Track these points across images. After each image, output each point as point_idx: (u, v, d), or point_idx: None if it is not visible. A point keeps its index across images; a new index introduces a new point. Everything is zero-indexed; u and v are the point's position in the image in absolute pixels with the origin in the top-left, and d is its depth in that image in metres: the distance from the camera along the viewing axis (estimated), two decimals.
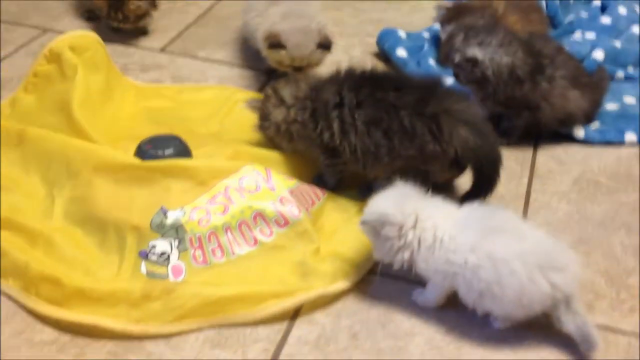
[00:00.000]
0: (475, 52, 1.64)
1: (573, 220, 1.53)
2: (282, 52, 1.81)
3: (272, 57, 1.85)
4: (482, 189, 1.48)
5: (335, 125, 1.46)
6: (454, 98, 1.45)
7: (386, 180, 1.48)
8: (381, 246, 1.29)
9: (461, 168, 1.50)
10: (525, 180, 1.65)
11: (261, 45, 1.87)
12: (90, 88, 1.68)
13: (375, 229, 1.27)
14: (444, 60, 1.72)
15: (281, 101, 1.55)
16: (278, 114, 1.54)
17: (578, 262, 1.23)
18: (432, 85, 1.48)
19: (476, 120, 1.45)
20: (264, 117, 1.58)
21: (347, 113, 1.45)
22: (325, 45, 1.83)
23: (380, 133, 1.43)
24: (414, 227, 1.26)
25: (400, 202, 1.27)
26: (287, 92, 1.56)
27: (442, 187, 1.47)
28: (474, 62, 1.64)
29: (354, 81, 1.49)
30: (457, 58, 1.66)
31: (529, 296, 1.19)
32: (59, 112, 1.62)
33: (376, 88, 1.46)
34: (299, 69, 1.84)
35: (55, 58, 1.69)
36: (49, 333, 1.25)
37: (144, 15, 2.13)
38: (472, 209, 1.30)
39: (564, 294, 1.21)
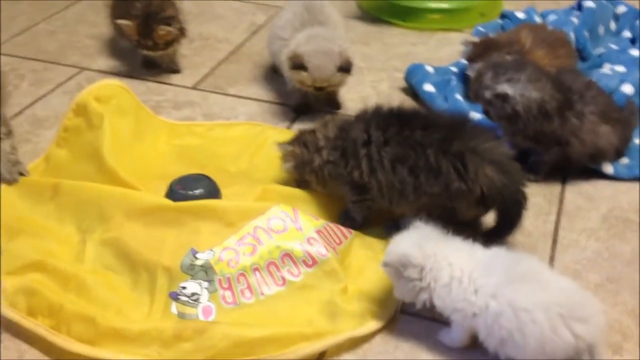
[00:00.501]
0: (505, 88, 1.65)
1: (602, 258, 1.53)
2: (304, 74, 1.88)
3: (295, 78, 1.93)
4: (505, 228, 1.49)
5: (364, 163, 1.49)
6: (480, 136, 1.47)
7: (413, 218, 1.51)
8: (403, 287, 1.30)
9: (487, 207, 1.51)
10: (553, 217, 1.64)
11: (285, 66, 1.95)
12: (119, 132, 1.73)
13: (397, 270, 1.28)
14: (474, 97, 1.73)
15: (316, 145, 1.57)
16: (316, 159, 1.56)
17: (603, 312, 1.23)
18: (459, 123, 1.50)
19: (502, 159, 1.46)
20: (300, 163, 1.60)
21: (375, 150, 1.48)
22: (345, 68, 1.90)
23: (406, 170, 1.45)
24: (432, 268, 1.27)
25: (420, 243, 1.29)
26: (320, 134, 1.59)
27: (467, 225, 1.48)
28: (504, 97, 1.65)
29: (381, 119, 1.51)
30: (487, 95, 1.68)
31: (551, 346, 1.19)
32: (91, 161, 1.66)
33: (403, 126, 1.48)
34: (320, 89, 1.92)
35: (82, 111, 1.75)
36: None
37: (173, 41, 2.15)
38: (496, 252, 1.30)
39: (587, 344, 1.20)
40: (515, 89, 1.65)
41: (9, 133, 1.73)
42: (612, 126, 1.72)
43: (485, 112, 1.70)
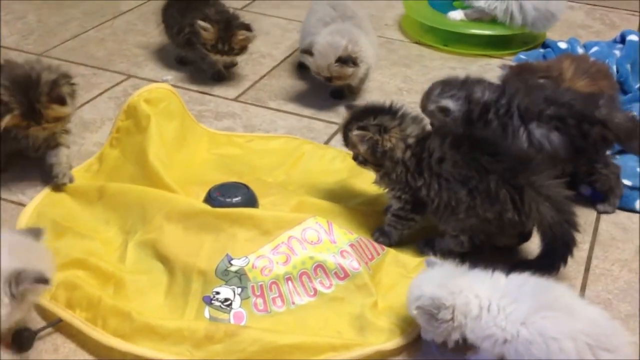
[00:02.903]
0: (447, 102, 1.76)
1: (634, 289, 1.52)
2: (310, 59, 2.11)
3: (308, 63, 2.14)
4: (548, 264, 1.47)
5: (434, 181, 1.50)
6: (542, 174, 1.48)
7: (450, 239, 1.52)
8: (435, 329, 1.29)
9: (525, 239, 1.55)
10: (587, 246, 1.64)
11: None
12: (165, 135, 1.78)
13: (430, 313, 1.28)
14: (421, 109, 1.83)
15: (405, 138, 1.54)
16: (398, 149, 1.54)
17: (632, 343, 1.23)
18: (525, 158, 1.51)
19: (559, 198, 1.47)
20: (375, 143, 1.54)
21: (445, 169, 1.49)
22: (344, 60, 2.05)
23: (465, 191, 1.47)
24: (462, 304, 1.27)
25: (444, 283, 1.29)
26: (412, 130, 1.56)
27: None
28: (445, 111, 1.76)
29: (456, 138, 1.53)
30: (431, 107, 1.79)
31: None
32: (137, 162, 1.72)
33: (473, 148, 1.50)
34: (329, 80, 2.10)
35: (132, 112, 1.80)
36: None
37: (246, 47, 2.21)
38: (525, 279, 1.31)
39: None
40: (456, 105, 1.74)
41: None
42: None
43: (431, 125, 1.77)
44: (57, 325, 1.37)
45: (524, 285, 1.29)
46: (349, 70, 2.08)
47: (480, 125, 1.73)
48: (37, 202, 1.68)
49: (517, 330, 1.23)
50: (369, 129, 1.54)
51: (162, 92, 1.85)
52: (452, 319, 1.28)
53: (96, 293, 1.37)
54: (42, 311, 1.39)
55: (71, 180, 1.73)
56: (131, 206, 1.59)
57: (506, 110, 1.71)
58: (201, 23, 2.13)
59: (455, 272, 1.33)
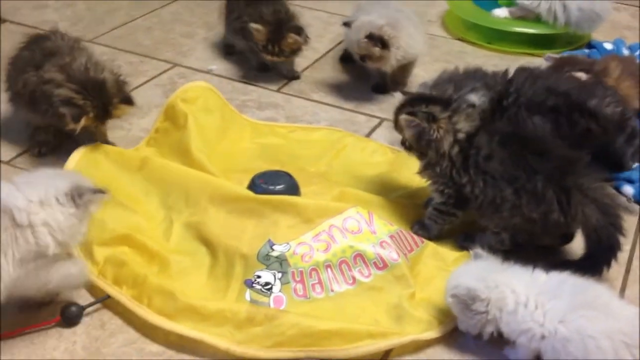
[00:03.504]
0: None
1: None
2: (348, 32, 2.14)
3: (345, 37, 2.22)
4: (592, 268, 1.46)
5: (480, 178, 1.50)
6: (590, 176, 1.48)
7: (492, 235, 1.53)
8: (469, 320, 1.32)
9: (568, 240, 1.55)
10: (629, 247, 1.63)
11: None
12: (205, 128, 1.83)
13: (464, 303, 1.30)
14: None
15: (455, 131, 1.53)
16: (446, 142, 1.53)
17: None
18: (574, 159, 1.50)
19: (606, 201, 1.47)
20: (422, 131, 1.53)
21: (492, 167, 1.49)
22: (371, 37, 2.03)
23: (511, 189, 1.47)
24: (497, 300, 1.29)
25: (483, 275, 1.31)
26: (464, 126, 1.54)
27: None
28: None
29: (504, 136, 1.52)
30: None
31: None
32: (178, 157, 1.76)
33: (522, 147, 1.49)
34: (362, 59, 2.10)
35: (170, 113, 1.85)
36: (157, 347, 1.35)
37: (298, 50, 2.20)
38: (565, 277, 1.32)
39: None
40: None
41: None
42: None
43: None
44: (104, 301, 1.42)
45: (563, 283, 1.30)
46: (376, 50, 2.06)
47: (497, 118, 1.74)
48: (74, 161, 1.72)
49: (555, 327, 1.24)
50: (417, 115, 1.53)
51: (197, 89, 1.91)
52: (486, 311, 1.29)
53: (142, 271, 1.41)
54: (91, 287, 1.44)
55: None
56: (173, 183, 1.63)
57: (515, 100, 1.72)
58: (253, 25, 2.13)
59: (496, 267, 1.34)
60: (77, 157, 1.73)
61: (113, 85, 1.76)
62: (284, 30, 2.14)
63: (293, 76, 2.28)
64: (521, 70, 1.84)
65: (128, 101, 1.80)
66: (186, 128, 1.80)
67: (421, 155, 1.57)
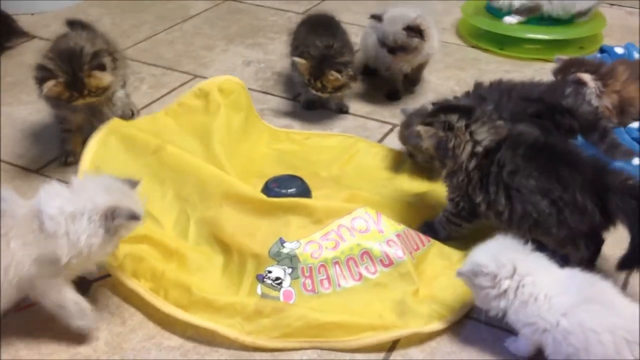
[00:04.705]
0: None
1: None
2: (378, 25, 2.15)
3: (377, 34, 2.18)
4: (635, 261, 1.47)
5: (501, 192, 1.50)
6: (621, 177, 1.48)
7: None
8: (478, 294, 1.37)
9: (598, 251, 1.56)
10: None
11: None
12: (231, 126, 1.90)
13: (470, 279, 1.36)
14: (402, 142, 1.89)
15: (474, 142, 1.53)
16: (464, 152, 1.53)
17: None
18: (601, 166, 1.51)
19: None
20: (441, 142, 1.54)
21: (518, 180, 1.48)
22: (410, 28, 2.09)
23: (546, 201, 1.46)
24: (511, 277, 1.33)
25: (497, 253, 1.35)
26: (484, 138, 1.53)
27: None
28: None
29: (528, 148, 1.51)
30: (414, 141, 1.78)
31: None
32: (197, 138, 1.82)
33: (549, 159, 1.49)
34: (392, 51, 2.14)
35: (203, 95, 1.92)
36: (175, 340, 1.43)
37: (343, 87, 2.12)
38: (573, 274, 1.36)
39: None
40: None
41: (124, 84, 2.03)
42: None
43: (409, 155, 1.80)
44: (126, 297, 1.50)
45: (571, 278, 1.34)
46: (414, 40, 2.12)
47: None
48: (92, 151, 1.72)
49: (558, 320, 1.28)
50: (434, 124, 1.54)
51: (233, 84, 1.97)
52: (493, 286, 1.33)
53: (160, 266, 1.49)
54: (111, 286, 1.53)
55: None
56: (189, 175, 1.68)
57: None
58: (296, 59, 2.12)
59: (515, 247, 1.36)
60: (95, 146, 1.73)
61: (88, 54, 1.79)
62: (325, 67, 2.08)
63: (341, 110, 2.24)
64: (488, 86, 1.84)
65: (100, 67, 1.79)
66: (216, 118, 1.85)
67: (442, 164, 1.58)
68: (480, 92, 1.81)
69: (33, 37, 2.68)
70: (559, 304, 1.29)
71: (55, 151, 2.00)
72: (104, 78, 1.82)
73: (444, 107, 1.60)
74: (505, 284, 1.33)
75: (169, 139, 1.80)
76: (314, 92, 2.14)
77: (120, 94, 2.00)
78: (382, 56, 2.20)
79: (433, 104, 1.69)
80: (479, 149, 1.52)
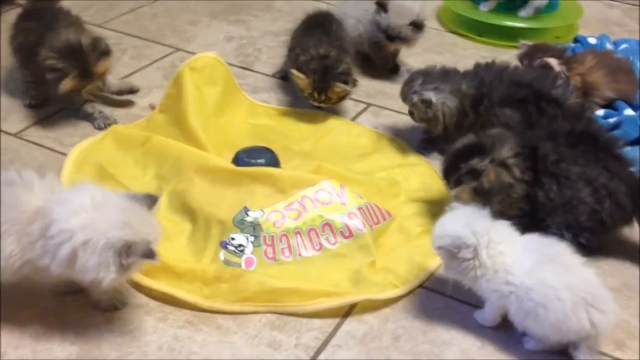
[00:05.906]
0: (430, 95, 1.85)
1: (624, 267, 1.62)
2: (383, 15, 2.21)
3: (378, 21, 2.23)
4: None
5: (554, 182, 1.56)
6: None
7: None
8: (456, 267, 1.38)
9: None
10: None
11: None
12: (205, 99, 1.95)
13: (451, 252, 1.36)
14: (402, 98, 1.91)
15: (501, 163, 1.56)
16: (503, 176, 1.56)
17: (617, 311, 1.33)
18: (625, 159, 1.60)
19: None
20: (480, 190, 1.56)
21: (565, 167, 1.55)
22: (415, 24, 2.20)
23: (589, 190, 1.54)
24: (487, 247, 1.35)
25: (469, 223, 1.37)
26: (506, 152, 1.57)
27: None
28: (428, 103, 1.85)
29: (567, 137, 1.58)
30: (414, 98, 1.87)
31: (567, 325, 1.30)
32: (178, 123, 1.89)
33: (591, 144, 1.57)
34: (391, 38, 2.23)
35: (179, 80, 1.97)
36: (140, 297, 1.49)
37: (345, 96, 2.10)
38: (533, 237, 1.41)
39: (597, 333, 1.31)
40: (439, 98, 1.84)
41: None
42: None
43: (410, 113, 1.87)
44: None
45: (530, 242, 1.39)
46: (417, 36, 2.23)
47: (472, 118, 1.84)
48: (84, 146, 1.87)
49: (521, 280, 1.33)
50: (464, 181, 1.57)
51: (207, 59, 2.02)
52: (474, 257, 1.34)
53: None
54: None
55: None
56: (168, 156, 1.77)
57: (489, 100, 1.81)
58: (294, 72, 2.04)
59: (482, 215, 1.39)
60: (84, 144, 1.89)
61: (89, 45, 1.92)
62: (330, 80, 2.02)
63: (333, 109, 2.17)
64: (486, 67, 1.91)
65: (106, 53, 1.96)
66: (187, 95, 1.90)
67: (491, 203, 1.53)
68: (479, 73, 1.89)
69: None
70: (522, 265, 1.34)
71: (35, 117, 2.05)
72: (109, 62, 1.99)
73: (455, 159, 1.60)
74: (484, 253, 1.35)
75: (159, 132, 1.89)
76: (315, 103, 2.09)
77: None
78: (375, 42, 2.29)
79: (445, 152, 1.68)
80: (511, 160, 1.56)
